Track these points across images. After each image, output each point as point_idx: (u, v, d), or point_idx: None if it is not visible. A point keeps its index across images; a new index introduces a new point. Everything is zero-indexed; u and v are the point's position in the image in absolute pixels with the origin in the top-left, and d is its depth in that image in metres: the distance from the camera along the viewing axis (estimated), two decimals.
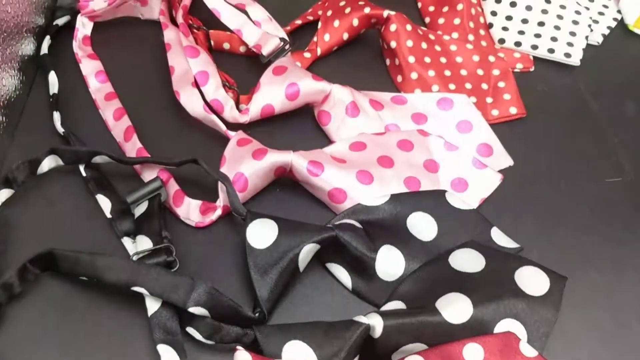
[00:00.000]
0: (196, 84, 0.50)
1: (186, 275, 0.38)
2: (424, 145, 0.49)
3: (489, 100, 0.54)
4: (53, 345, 0.39)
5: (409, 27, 0.55)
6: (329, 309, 0.42)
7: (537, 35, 0.59)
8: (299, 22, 0.58)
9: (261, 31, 0.54)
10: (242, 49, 0.56)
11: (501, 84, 0.55)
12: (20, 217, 0.44)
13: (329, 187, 0.45)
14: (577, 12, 0.60)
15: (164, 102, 0.52)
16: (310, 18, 0.59)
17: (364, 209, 0.44)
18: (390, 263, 0.42)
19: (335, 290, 0.43)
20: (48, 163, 0.46)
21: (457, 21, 0.58)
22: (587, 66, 0.58)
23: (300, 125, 0.52)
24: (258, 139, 0.47)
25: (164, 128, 0.51)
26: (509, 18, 0.60)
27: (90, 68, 0.54)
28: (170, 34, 0.54)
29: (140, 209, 0.44)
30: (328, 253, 0.43)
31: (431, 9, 0.61)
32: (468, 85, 0.54)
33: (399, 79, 0.55)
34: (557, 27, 0.59)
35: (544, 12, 0.60)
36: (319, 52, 0.56)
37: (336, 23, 0.56)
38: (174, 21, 0.56)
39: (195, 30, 0.55)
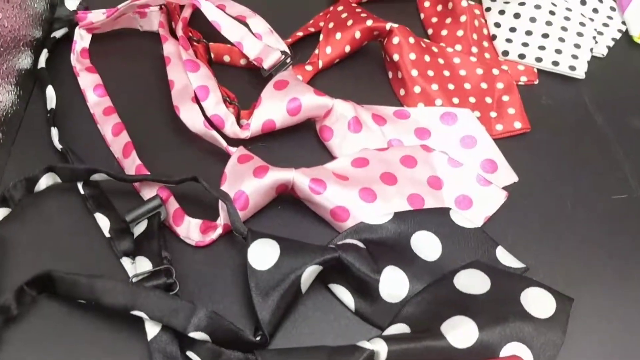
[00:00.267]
0: (196, 99, 0.49)
1: (186, 299, 0.38)
2: (428, 161, 0.48)
3: (493, 114, 0.53)
4: None
5: (411, 40, 0.54)
6: (331, 331, 0.41)
7: (541, 48, 0.58)
8: (300, 34, 0.58)
9: (262, 44, 0.53)
10: (242, 61, 0.56)
11: (505, 98, 0.54)
12: (17, 236, 0.44)
13: (332, 206, 0.44)
14: (582, 24, 0.60)
15: (164, 116, 0.52)
16: (312, 30, 0.58)
17: (367, 227, 0.44)
18: (394, 284, 0.41)
19: (338, 312, 0.42)
20: (45, 181, 0.45)
21: (460, 33, 0.58)
22: (592, 79, 0.57)
23: (302, 140, 0.51)
24: (259, 154, 0.47)
25: (163, 143, 0.50)
26: (512, 30, 0.59)
27: (88, 81, 0.53)
28: (169, 47, 0.53)
29: (139, 228, 0.43)
30: (331, 274, 0.42)
31: (434, 20, 0.60)
32: (472, 99, 0.54)
33: (402, 92, 0.54)
34: (561, 39, 0.58)
35: (548, 23, 0.59)
36: (320, 64, 0.55)
37: (338, 35, 0.55)
38: (173, 33, 0.55)
39: (195, 43, 0.54)
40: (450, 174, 0.48)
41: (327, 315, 0.42)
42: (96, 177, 0.45)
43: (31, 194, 0.45)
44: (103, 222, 0.44)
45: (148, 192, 0.46)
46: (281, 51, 0.53)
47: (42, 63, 0.53)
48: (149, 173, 0.47)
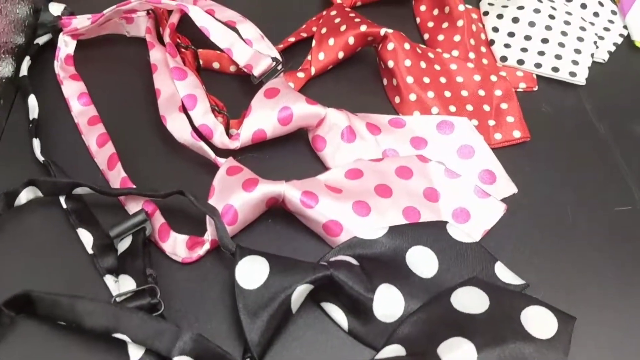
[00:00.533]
0: (183, 108, 0.48)
1: (172, 318, 0.36)
2: (424, 173, 0.47)
3: (492, 123, 0.51)
4: None
5: (407, 46, 0.52)
6: (324, 352, 0.39)
7: (541, 53, 0.56)
8: (292, 39, 0.56)
9: (252, 50, 0.51)
10: (232, 68, 0.54)
11: (504, 106, 0.52)
12: None
13: (324, 220, 0.43)
14: (582, 28, 0.58)
15: (151, 126, 0.50)
16: (304, 35, 0.57)
17: (361, 242, 0.42)
18: (388, 303, 0.40)
19: (330, 332, 0.40)
20: (26, 195, 0.44)
21: (457, 38, 0.56)
22: (593, 85, 0.55)
23: (294, 150, 0.49)
24: (249, 165, 0.45)
25: (150, 154, 0.49)
26: (511, 34, 0.58)
27: (72, 90, 0.51)
28: (156, 54, 0.51)
29: (124, 244, 0.41)
30: (323, 292, 0.40)
31: (430, 24, 0.59)
32: (469, 107, 0.52)
33: (397, 100, 0.53)
34: (561, 44, 0.57)
35: (548, 28, 0.58)
36: (313, 71, 0.54)
37: (331, 41, 0.54)
38: (161, 39, 0.54)
39: (183, 49, 0.53)
40: (447, 186, 0.46)
41: (319, 335, 0.40)
42: (79, 190, 0.44)
43: (11, 209, 0.43)
44: (86, 237, 0.43)
45: (133, 206, 0.44)
46: (272, 58, 0.51)
47: (24, 71, 0.51)
48: (135, 186, 0.45)
